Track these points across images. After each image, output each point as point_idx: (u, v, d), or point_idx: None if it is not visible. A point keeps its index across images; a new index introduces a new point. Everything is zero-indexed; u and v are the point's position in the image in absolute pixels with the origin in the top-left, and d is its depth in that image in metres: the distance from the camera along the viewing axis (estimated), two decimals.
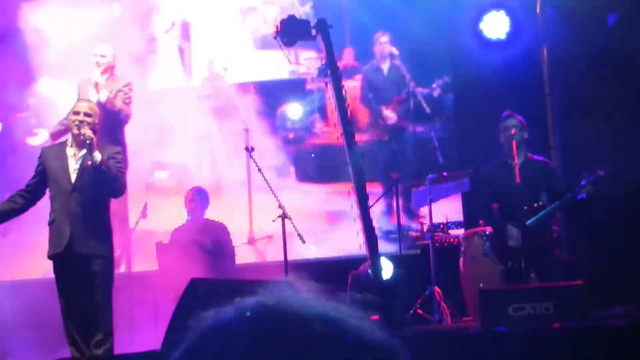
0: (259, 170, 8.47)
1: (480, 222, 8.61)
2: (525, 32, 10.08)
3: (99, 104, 6.86)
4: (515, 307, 6.39)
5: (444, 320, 8.24)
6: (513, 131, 7.76)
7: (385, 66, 10.17)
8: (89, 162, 6.83)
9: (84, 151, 6.91)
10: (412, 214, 9.76)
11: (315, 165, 10.13)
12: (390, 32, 10.10)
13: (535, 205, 7.67)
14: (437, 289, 8.41)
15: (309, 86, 10.29)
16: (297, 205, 9.21)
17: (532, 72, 10.03)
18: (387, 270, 8.84)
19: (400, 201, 9.10)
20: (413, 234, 9.85)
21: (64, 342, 6.97)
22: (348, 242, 8.31)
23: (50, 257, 7.02)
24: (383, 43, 10.11)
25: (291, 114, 10.26)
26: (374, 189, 9.22)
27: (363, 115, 10.07)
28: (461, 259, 8.66)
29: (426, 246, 8.93)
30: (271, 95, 10.26)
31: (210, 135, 10.28)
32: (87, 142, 6.79)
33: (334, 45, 9.31)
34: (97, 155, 6.82)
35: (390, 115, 10.03)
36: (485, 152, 8.72)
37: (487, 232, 8.25)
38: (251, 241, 9.59)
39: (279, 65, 10.04)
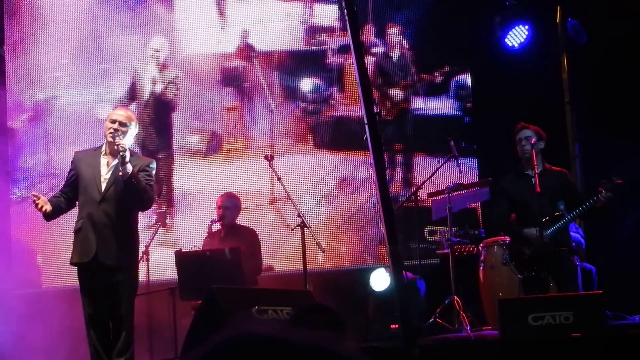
0: (279, 179, 8.53)
1: (501, 232, 8.60)
2: (544, 41, 10.07)
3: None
4: (534, 317, 6.36)
5: (464, 329, 8.22)
6: (533, 140, 7.72)
7: (394, 54, 10.78)
8: (120, 174, 6.82)
9: (117, 161, 6.89)
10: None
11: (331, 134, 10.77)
12: (407, 18, 10.72)
13: (555, 214, 7.64)
14: (456, 298, 8.39)
15: (329, 60, 10.78)
16: (312, 170, 10.33)
17: (551, 81, 10.01)
18: (383, 282, 8.90)
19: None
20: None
21: (86, 350, 7.00)
22: (355, 204, 9.46)
23: (73, 264, 7.04)
24: (392, 34, 10.76)
25: (310, 88, 10.79)
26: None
27: (376, 93, 10.56)
28: (481, 268, 8.64)
29: (446, 256, 8.92)
30: (293, 65, 10.75)
31: (238, 106, 10.75)
32: (121, 153, 6.75)
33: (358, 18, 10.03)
34: (129, 168, 6.78)
35: (395, 98, 10.72)
36: (507, 163, 8.68)
37: (507, 242, 8.23)
38: (272, 201, 9.80)
39: (299, 34, 10.77)
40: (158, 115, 10.55)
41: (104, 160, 7.01)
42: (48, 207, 6.82)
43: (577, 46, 9.77)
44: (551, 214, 7.63)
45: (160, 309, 8.64)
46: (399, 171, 10.38)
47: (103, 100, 10.54)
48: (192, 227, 9.82)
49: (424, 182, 9.29)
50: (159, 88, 10.57)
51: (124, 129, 6.95)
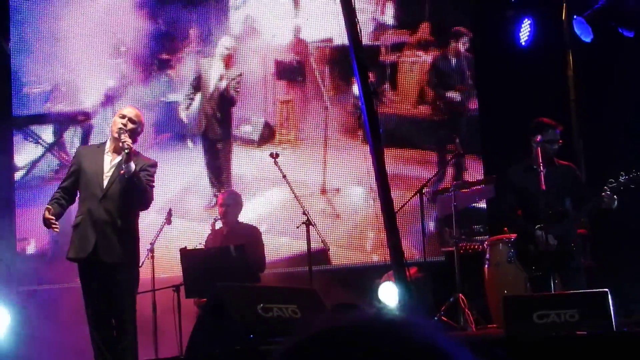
0: (284, 176, 8.53)
1: (505, 228, 8.57)
2: (550, 38, 10.05)
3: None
4: (539, 314, 6.34)
5: (468, 327, 8.21)
6: (560, 142, 7.74)
7: (453, 58, 10.80)
8: (122, 172, 6.82)
9: (120, 158, 6.89)
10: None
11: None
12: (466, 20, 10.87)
13: (560, 211, 7.61)
14: (461, 295, 8.39)
15: (382, 57, 10.87)
16: (359, 163, 10.02)
17: (557, 78, 9.98)
18: (392, 296, 8.85)
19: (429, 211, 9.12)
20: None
21: (89, 348, 7.00)
22: (403, 200, 9.18)
23: (69, 259, 7.04)
24: (455, 43, 10.78)
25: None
26: (432, 158, 10.53)
27: (427, 96, 10.81)
28: (486, 265, 8.63)
29: (451, 253, 8.91)
30: (346, 62, 10.67)
31: (291, 99, 11.01)
32: (126, 151, 6.76)
33: (414, 16, 10.64)
34: (132, 166, 6.79)
35: (450, 100, 10.73)
36: (512, 160, 8.66)
37: (512, 239, 8.22)
38: (323, 192, 9.92)
39: (367, 30, 10.77)
40: (220, 107, 10.91)
41: (107, 157, 7.01)
42: (57, 228, 6.81)
43: (583, 43, 9.74)
44: (557, 210, 7.59)
45: (165, 306, 8.64)
46: (450, 170, 10.35)
47: (169, 88, 10.99)
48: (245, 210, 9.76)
49: (430, 179, 9.31)
50: (223, 84, 10.93)
51: (133, 125, 6.97)
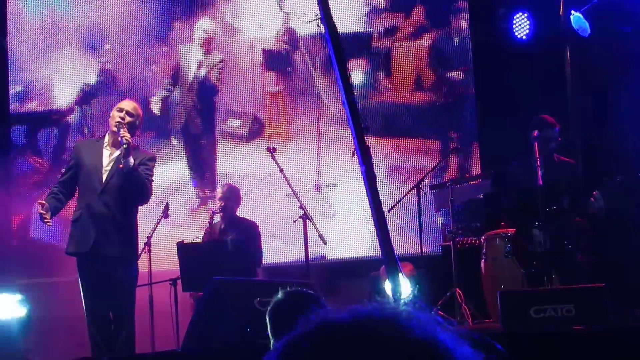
0: (281, 171, 8.52)
1: (502, 223, 8.57)
2: (547, 33, 10.05)
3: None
4: (536, 309, 6.36)
5: (465, 321, 8.21)
6: (559, 140, 7.76)
7: (457, 38, 10.64)
8: (121, 166, 6.82)
9: (118, 152, 6.89)
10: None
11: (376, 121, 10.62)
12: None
13: (558, 206, 7.61)
14: (458, 290, 8.39)
15: (374, 44, 10.68)
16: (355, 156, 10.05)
17: (555, 74, 9.98)
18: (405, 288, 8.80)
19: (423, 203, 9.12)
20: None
21: (85, 342, 6.99)
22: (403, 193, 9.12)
23: (69, 253, 7.02)
24: (458, 19, 10.63)
25: (355, 72, 10.60)
26: (429, 146, 10.37)
27: (427, 78, 10.64)
28: (482, 260, 8.63)
29: (448, 247, 8.91)
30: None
31: (281, 91, 10.81)
32: (124, 145, 6.76)
33: (406, 2, 10.29)
34: (131, 161, 6.79)
35: (453, 82, 10.56)
36: (509, 159, 8.66)
37: (509, 234, 8.22)
38: (317, 188, 9.87)
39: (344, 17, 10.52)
40: (201, 99, 10.61)
41: (106, 151, 7.02)
42: (49, 222, 6.76)
43: (581, 38, 9.73)
44: (553, 206, 7.59)
45: (162, 300, 8.63)
46: (453, 158, 10.24)
47: (146, 81, 10.77)
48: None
49: (427, 173, 9.30)
50: (203, 72, 10.66)
51: (131, 119, 6.96)
